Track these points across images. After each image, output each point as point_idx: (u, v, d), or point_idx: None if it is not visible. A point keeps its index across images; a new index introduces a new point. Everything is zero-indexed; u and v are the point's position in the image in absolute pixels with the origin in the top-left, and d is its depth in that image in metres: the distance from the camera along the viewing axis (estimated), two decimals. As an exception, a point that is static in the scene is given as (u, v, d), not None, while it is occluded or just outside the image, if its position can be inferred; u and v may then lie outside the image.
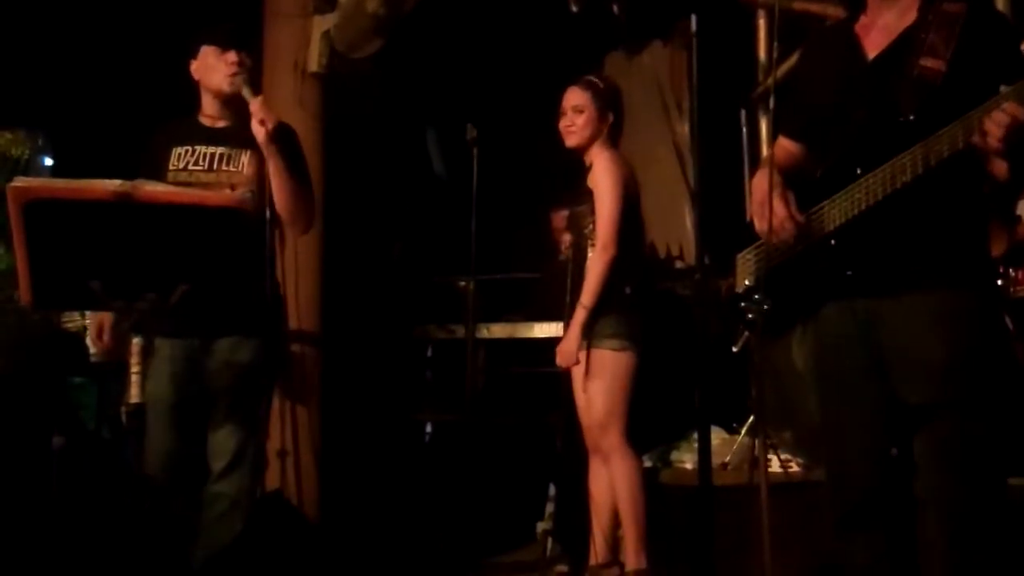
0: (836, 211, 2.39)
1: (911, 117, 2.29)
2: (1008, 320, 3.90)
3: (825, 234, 2.41)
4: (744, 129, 5.37)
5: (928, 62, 2.29)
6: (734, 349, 2.71)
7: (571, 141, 3.79)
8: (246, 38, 3.49)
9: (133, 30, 5.35)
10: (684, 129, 5.57)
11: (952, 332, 2.30)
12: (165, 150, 3.35)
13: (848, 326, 2.39)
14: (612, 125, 3.79)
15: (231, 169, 3.33)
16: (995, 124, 2.12)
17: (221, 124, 3.40)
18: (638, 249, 3.87)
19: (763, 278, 2.54)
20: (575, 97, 3.80)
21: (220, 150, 3.34)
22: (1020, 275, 4.08)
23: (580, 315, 3.64)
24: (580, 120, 3.77)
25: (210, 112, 3.42)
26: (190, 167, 3.33)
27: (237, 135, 3.33)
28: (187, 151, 3.34)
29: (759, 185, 2.49)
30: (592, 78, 3.87)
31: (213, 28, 3.42)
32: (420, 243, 5.59)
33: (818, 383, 2.48)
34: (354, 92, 5.46)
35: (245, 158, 3.33)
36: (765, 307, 2.51)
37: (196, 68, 3.42)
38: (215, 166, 3.33)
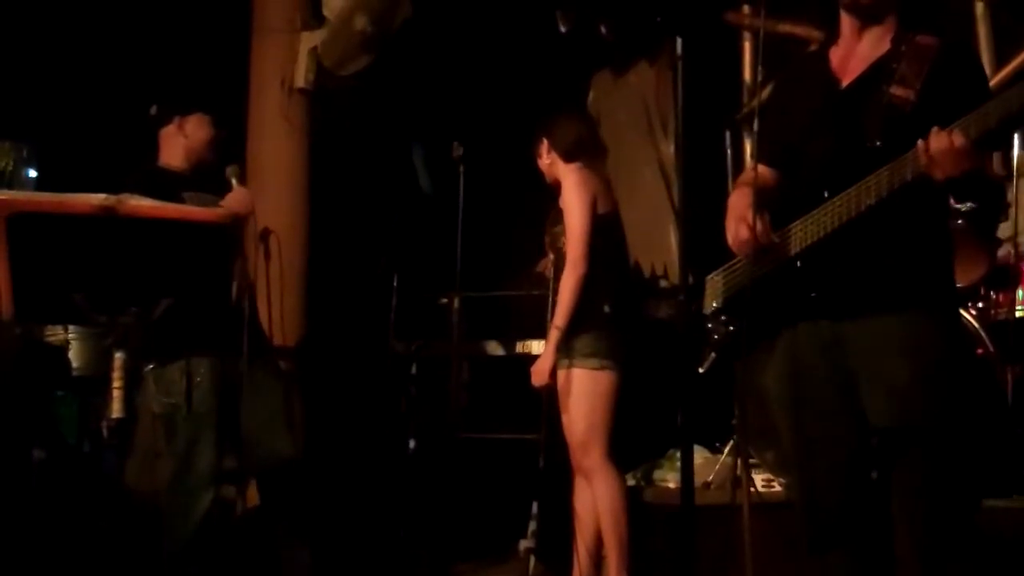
0: (803, 233, 2.42)
1: (878, 143, 2.32)
2: (989, 342, 3.92)
3: (792, 255, 2.44)
4: (729, 150, 5.40)
5: (898, 91, 2.34)
6: (700, 370, 2.72)
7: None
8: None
9: (118, 44, 5.35)
10: (669, 149, 5.59)
11: (915, 355, 2.31)
12: (174, 195, 3.49)
13: (815, 347, 2.41)
14: (568, 149, 3.81)
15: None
16: (933, 143, 2.18)
17: (189, 173, 3.70)
18: (618, 267, 3.87)
19: (731, 299, 2.56)
20: None
21: (213, 197, 3.61)
22: (1001, 297, 4.10)
23: (553, 335, 3.65)
24: (539, 163, 3.93)
25: (177, 163, 3.71)
26: None
27: (206, 181, 3.66)
28: (194, 196, 3.56)
29: (735, 203, 2.52)
30: None
31: (206, 102, 3.81)
32: (405, 259, 5.59)
33: (789, 404, 2.48)
34: (341, 108, 5.47)
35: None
36: (731, 329, 2.53)
37: (185, 126, 3.69)
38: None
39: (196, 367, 3.47)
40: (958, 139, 2.16)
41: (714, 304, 2.66)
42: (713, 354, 2.65)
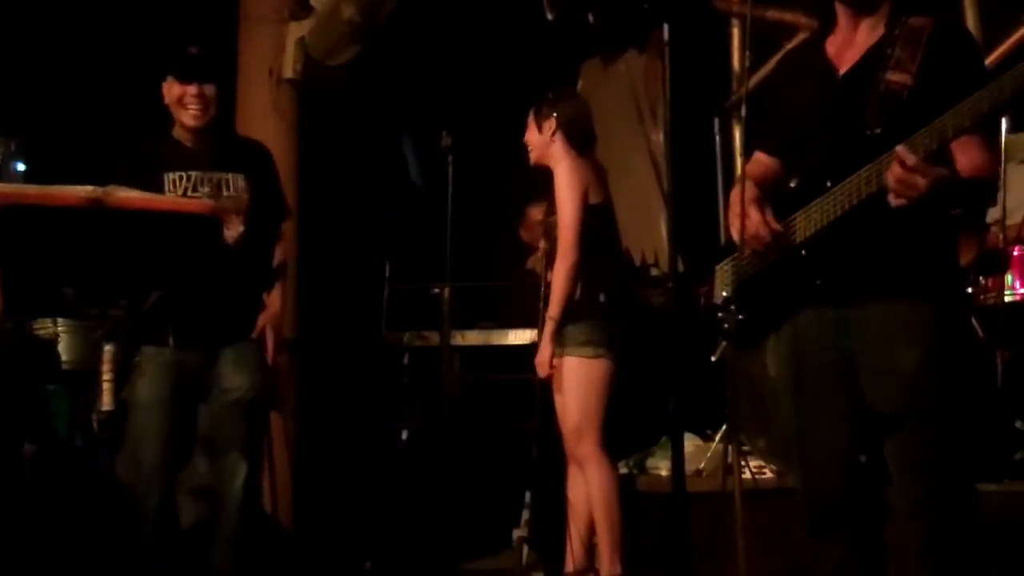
0: (807, 222, 2.42)
1: (878, 131, 2.32)
2: (978, 327, 3.93)
3: (796, 244, 2.44)
4: (718, 137, 5.41)
5: (895, 76, 2.33)
6: (712, 359, 2.72)
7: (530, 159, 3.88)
8: (211, 67, 3.33)
9: (107, 35, 5.33)
10: (659, 137, 5.59)
11: (921, 340, 2.32)
12: (152, 174, 3.21)
13: (819, 333, 2.42)
14: (570, 131, 3.79)
15: (232, 195, 3.26)
16: (888, 174, 2.18)
17: (203, 146, 3.31)
18: (611, 256, 3.87)
19: (739, 288, 2.56)
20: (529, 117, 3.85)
21: (218, 176, 3.27)
22: (990, 283, 4.12)
23: (549, 326, 3.66)
24: (527, 138, 3.86)
25: (186, 136, 3.32)
26: (189, 194, 3.21)
27: (224, 157, 3.29)
28: (181, 177, 3.24)
29: (737, 198, 2.51)
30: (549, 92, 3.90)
31: (175, 56, 3.31)
32: (396, 250, 5.59)
33: (790, 389, 2.50)
34: (329, 99, 5.46)
35: (241, 182, 3.29)
36: (741, 317, 2.53)
37: (165, 94, 3.32)
38: (220, 193, 3.25)
39: (143, 357, 3.23)
40: (909, 159, 2.14)
41: (724, 293, 2.67)
42: (724, 343, 2.66)
